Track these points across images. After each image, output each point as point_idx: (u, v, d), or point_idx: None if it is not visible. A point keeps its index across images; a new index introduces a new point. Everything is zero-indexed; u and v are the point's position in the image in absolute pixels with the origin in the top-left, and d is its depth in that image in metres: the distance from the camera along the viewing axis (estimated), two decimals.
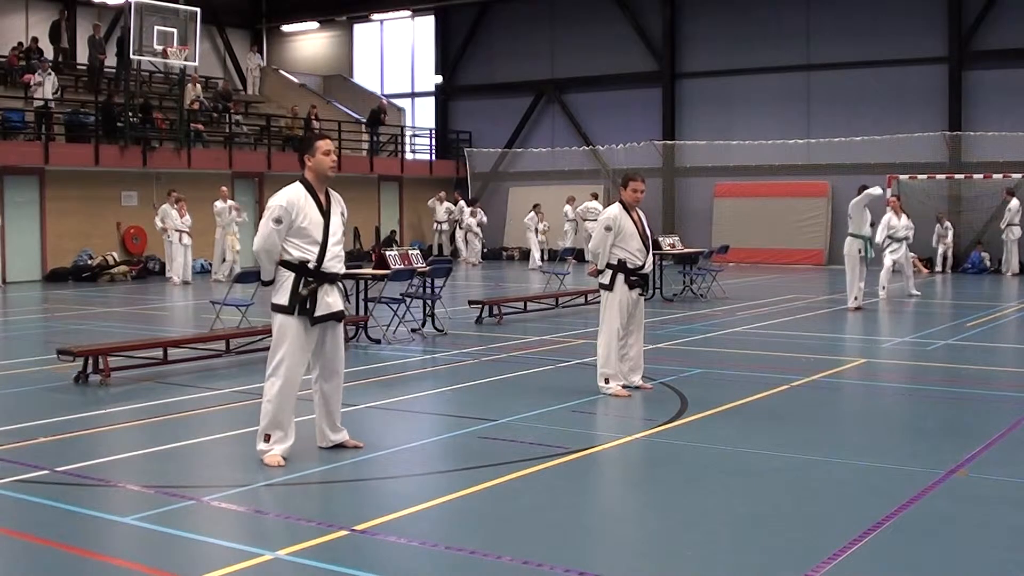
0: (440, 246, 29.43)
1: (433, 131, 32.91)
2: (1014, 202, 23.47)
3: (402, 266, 12.67)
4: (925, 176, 25.21)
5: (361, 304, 12.53)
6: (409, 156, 32.01)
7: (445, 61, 33.16)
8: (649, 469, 6.84)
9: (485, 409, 8.36)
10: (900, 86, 26.06)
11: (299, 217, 6.51)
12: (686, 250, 19.05)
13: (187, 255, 22.06)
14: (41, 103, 23.29)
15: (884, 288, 17.36)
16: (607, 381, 8.88)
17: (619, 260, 8.88)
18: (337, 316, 6.68)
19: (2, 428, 7.66)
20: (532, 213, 27.15)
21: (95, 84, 26.54)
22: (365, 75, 34.90)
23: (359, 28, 35.21)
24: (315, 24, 35.11)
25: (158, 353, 10.68)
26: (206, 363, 10.80)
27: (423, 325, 13.33)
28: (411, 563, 4.89)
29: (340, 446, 6.88)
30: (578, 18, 30.56)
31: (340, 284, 6.91)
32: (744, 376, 9.96)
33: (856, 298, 15.73)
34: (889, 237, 17.57)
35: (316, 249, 6.55)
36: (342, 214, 6.79)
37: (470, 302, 15.09)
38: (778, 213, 27.23)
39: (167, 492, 5.92)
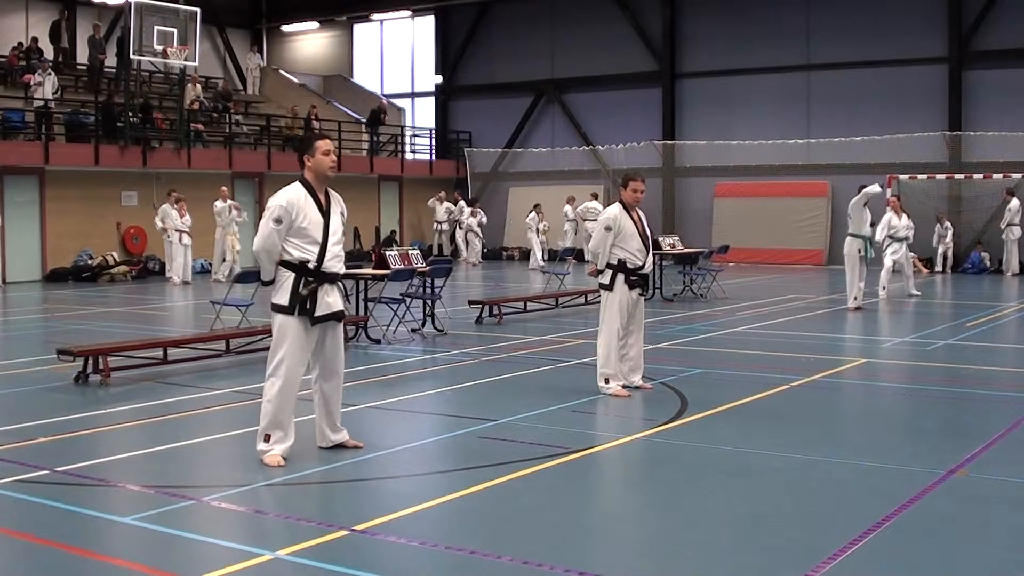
0: (440, 246, 29.43)
1: (433, 131, 32.91)
2: (1014, 202, 23.47)
3: (402, 266, 12.67)
4: (925, 176, 25.21)
5: (361, 304, 12.53)
6: (409, 156, 32.01)
7: (445, 61, 33.17)
8: (649, 469, 6.84)
9: (485, 409, 8.36)
10: (900, 86, 26.06)
11: (299, 217, 6.51)
12: (686, 250, 19.05)
13: (187, 255, 22.06)
14: (41, 103, 23.29)
15: (884, 288, 17.36)
16: (607, 381, 8.88)
17: (619, 260, 8.88)
18: (337, 316, 6.68)
19: (2, 428, 7.66)
20: (533, 213, 27.13)
21: (95, 84, 26.55)
22: (365, 75, 34.90)
23: (359, 28, 35.21)
24: (315, 24, 35.12)
25: (158, 353, 10.68)
26: (206, 363, 10.80)
27: (423, 325, 13.33)
28: (411, 563, 4.89)
29: (340, 446, 6.88)
30: (578, 18, 30.56)
31: (340, 284, 6.91)
32: (744, 376, 9.96)
33: (856, 298, 15.73)
34: (890, 237, 17.56)
35: (316, 249, 6.56)
36: (342, 214, 6.79)
37: (470, 302, 15.09)
38: (778, 213, 27.23)
39: (167, 492, 5.92)
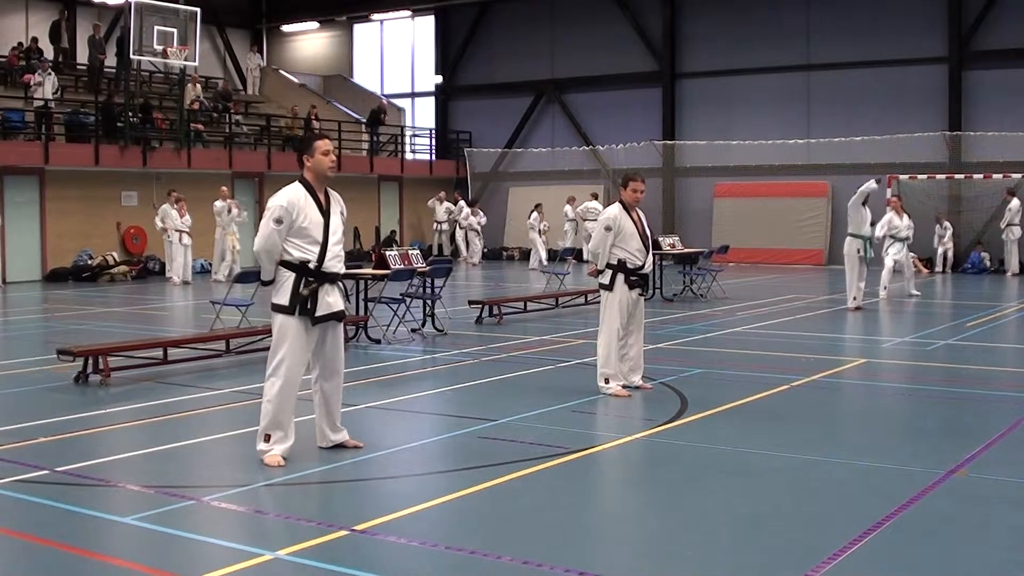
0: (440, 246, 29.43)
1: (433, 131, 32.91)
2: (1014, 202, 23.47)
3: (402, 266, 12.67)
4: (925, 176, 25.21)
5: (361, 304, 12.53)
6: (409, 156, 32.01)
7: (445, 61, 33.17)
8: (649, 469, 6.84)
9: (485, 409, 8.36)
10: (900, 86, 26.06)
11: (299, 217, 6.51)
12: (686, 250, 19.05)
13: (187, 255, 22.07)
14: (41, 103, 23.29)
15: (885, 288, 17.36)
16: (607, 381, 8.88)
17: (619, 260, 8.88)
18: (338, 316, 6.68)
19: (2, 428, 7.66)
20: (535, 213, 27.10)
21: (95, 84, 26.55)
22: (365, 75, 34.90)
23: (359, 28, 35.21)
24: (315, 24, 35.11)
25: (158, 353, 10.68)
26: (206, 363, 10.80)
27: (423, 325, 13.33)
28: (411, 563, 4.89)
29: (340, 446, 6.88)
30: (578, 18, 30.56)
31: (340, 284, 6.91)
32: (744, 376, 9.96)
33: (855, 298, 15.73)
34: (891, 237, 17.55)
35: (316, 249, 6.56)
36: (342, 213, 6.79)
37: (470, 302, 15.09)
38: (778, 213, 27.23)
39: (167, 492, 5.92)
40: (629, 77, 29.71)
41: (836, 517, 5.54)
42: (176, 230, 21.81)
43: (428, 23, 33.54)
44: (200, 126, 26.04)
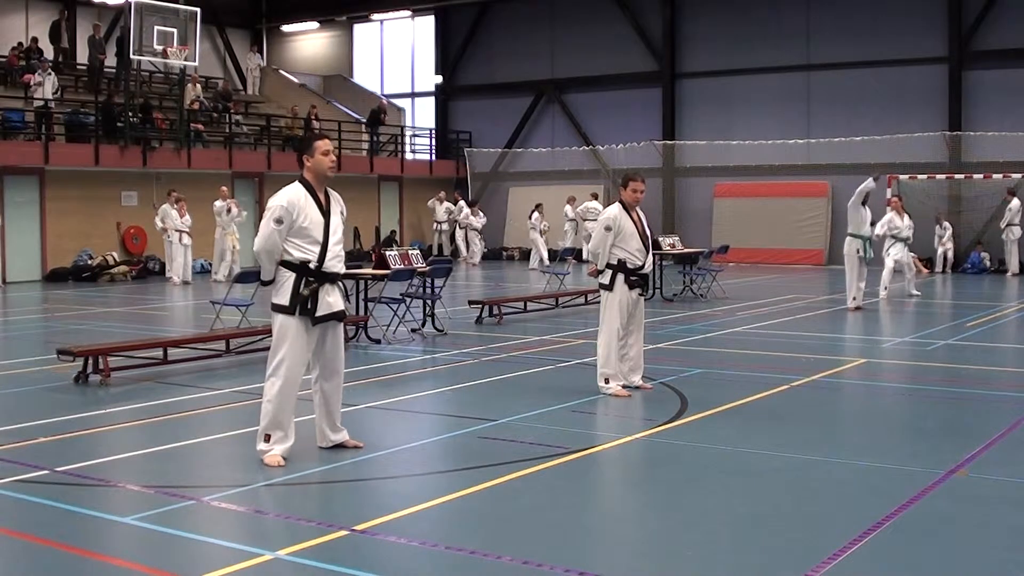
0: (440, 246, 29.43)
1: (433, 131, 32.91)
2: (1015, 202, 23.47)
3: (402, 266, 12.67)
4: (925, 176, 25.22)
5: (361, 304, 12.53)
6: (409, 156, 32.01)
7: (445, 61, 33.16)
8: (649, 469, 6.84)
9: (485, 409, 8.36)
10: (900, 86, 26.06)
11: (300, 217, 6.51)
12: (686, 250, 19.05)
13: (187, 255, 22.07)
14: (41, 103, 23.29)
15: (886, 288, 17.35)
16: (607, 381, 8.88)
17: (619, 260, 8.88)
18: (338, 316, 6.68)
19: (2, 428, 7.66)
20: (536, 213, 27.08)
21: (95, 84, 26.55)
22: (365, 75, 34.90)
23: (359, 28, 35.21)
24: (315, 24, 35.11)
25: (158, 353, 10.68)
26: (206, 363, 10.80)
27: (423, 325, 13.33)
28: (411, 563, 4.89)
29: (340, 446, 6.88)
30: (578, 18, 30.56)
31: (341, 284, 6.91)
32: (744, 376, 9.96)
33: (855, 298, 15.73)
34: (892, 237, 17.54)
35: (317, 249, 6.56)
36: (341, 213, 6.79)
37: (470, 302, 15.09)
38: (778, 213, 27.23)
39: (167, 492, 5.92)
40: (629, 77, 29.70)
41: (836, 517, 5.54)
42: (176, 230, 21.82)
43: (428, 23, 33.55)
44: (200, 126, 26.04)
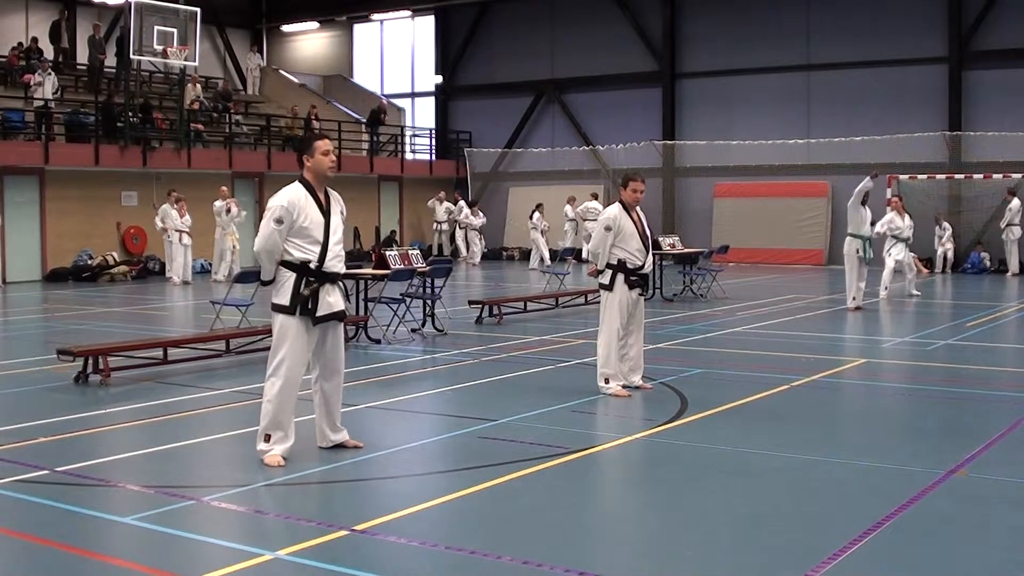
0: (440, 246, 29.43)
1: (433, 131, 32.91)
2: (1015, 202, 23.47)
3: (402, 266, 12.67)
4: (925, 176, 25.21)
5: (361, 304, 12.53)
6: (409, 156, 32.01)
7: (445, 61, 33.16)
8: (649, 469, 6.84)
9: (485, 409, 8.36)
10: (900, 86, 26.06)
11: (300, 217, 6.51)
12: (686, 250, 19.05)
13: (187, 255, 22.07)
14: (41, 103, 23.29)
15: (886, 288, 17.35)
16: (607, 381, 8.88)
17: (619, 260, 8.88)
18: (338, 316, 6.68)
19: (2, 428, 7.66)
20: (537, 213, 27.06)
21: (95, 84, 26.55)
22: (365, 75, 34.90)
23: (359, 28, 35.21)
24: (315, 24, 35.11)
25: (158, 353, 10.68)
26: (206, 363, 10.80)
27: (423, 325, 13.33)
28: (411, 563, 4.89)
29: (340, 446, 6.88)
30: (578, 18, 30.56)
31: (341, 284, 6.91)
32: (744, 376, 9.96)
33: (855, 298, 15.74)
34: (893, 237, 17.53)
35: (317, 249, 6.56)
36: (341, 213, 6.79)
37: (470, 302, 15.09)
38: (778, 213, 27.23)
39: (167, 492, 5.92)
40: (629, 77, 29.70)
41: (836, 517, 5.54)
42: (176, 230, 21.82)
43: (428, 23, 33.54)
44: (200, 126, 26.04)
